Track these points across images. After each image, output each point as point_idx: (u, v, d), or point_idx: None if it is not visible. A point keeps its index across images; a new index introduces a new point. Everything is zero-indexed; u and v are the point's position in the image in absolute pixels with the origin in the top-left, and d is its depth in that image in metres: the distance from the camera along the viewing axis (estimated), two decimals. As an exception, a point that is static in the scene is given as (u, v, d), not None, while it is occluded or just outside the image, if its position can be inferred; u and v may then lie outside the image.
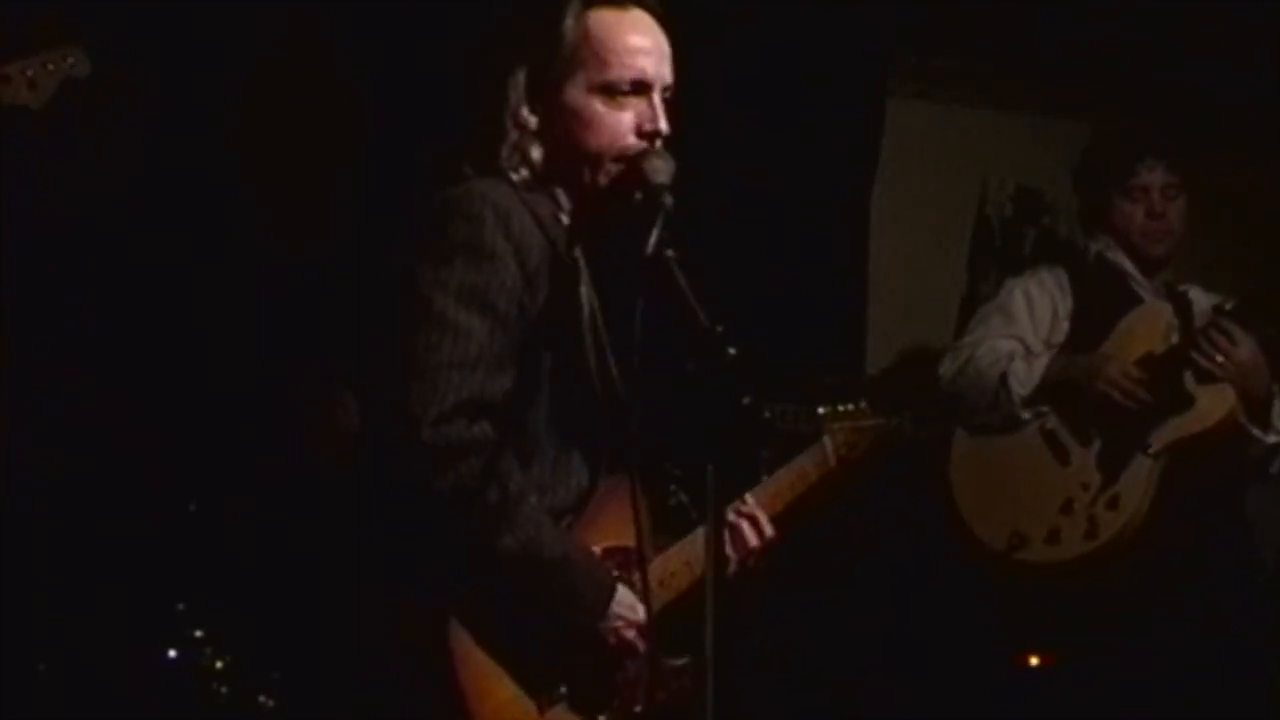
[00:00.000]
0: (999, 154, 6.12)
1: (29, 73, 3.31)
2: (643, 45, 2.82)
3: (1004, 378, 4.45)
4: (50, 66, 3.32)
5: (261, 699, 4.21)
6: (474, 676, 2.69)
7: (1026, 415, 4.45)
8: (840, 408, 3.35)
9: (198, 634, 4.22)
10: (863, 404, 3.36)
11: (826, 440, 3.29)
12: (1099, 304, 4.54)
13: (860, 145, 5.58)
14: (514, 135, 2.82)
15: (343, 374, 4.16)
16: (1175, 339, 4.41)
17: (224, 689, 4.21)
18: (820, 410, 3.33)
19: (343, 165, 4.49)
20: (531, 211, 2.78)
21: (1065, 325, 4.57)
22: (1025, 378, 4.44)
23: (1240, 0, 5.36)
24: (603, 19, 2.81)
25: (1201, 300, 4.56)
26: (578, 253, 2.86)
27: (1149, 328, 4.42)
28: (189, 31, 4.29)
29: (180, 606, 4.23)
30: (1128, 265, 4.55)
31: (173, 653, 4.21)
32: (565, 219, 2.85)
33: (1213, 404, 4.30)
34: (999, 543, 4.42)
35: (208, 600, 4.25)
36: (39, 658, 4.11)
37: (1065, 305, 4.59)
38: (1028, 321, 4.58)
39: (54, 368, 4.05)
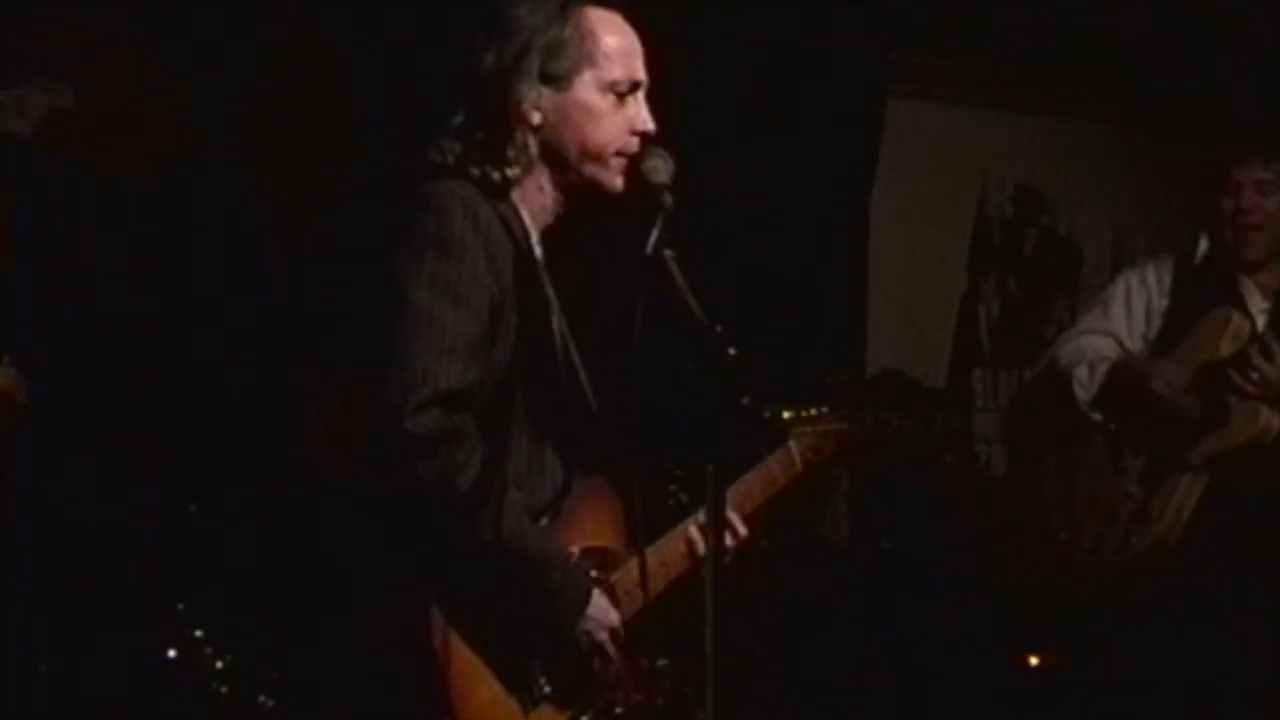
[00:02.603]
0: (999, 154, 6.12)
1: (20, 101, 3.34)
2: (634, 46, 2.88)
3: (1069, 381, 4.42)
4: (40, 95, 3.36)
5: (261, 699, 4.22)
6: (458, 676, 2.69)
7: (1097, 416, 4.42)
8: (803, 412, 3.31)
9: (198, 634, 4.23)
10: (824, 409, 3.32)
11: (792, 445, 3.25)
12: (1196, 302, 4.42)
13: (860, 145, 5.59)
14: (518, 134, 2.83)
15: (342, 374, 4.16)
16: (1243, 346, 4.28)
17: (224, 689, 4.22)
18: (785, 414, 3.30)
19: (343, 162, 4.50)
20: (497, 211, 2.80)
21: (1159, 323, 4.48)
22: (1087, 382, 4.39)
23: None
24: (599, 19, 2.85)
25: None
26: (539, 254, 2.88)
27: (1214, 335, 4.30)
28: (188, 29, 4.30)
29: (180, 606, 4.23)
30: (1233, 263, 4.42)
31: (173, 653, 4.22)
32: (529, 222, 2.86)
33: (1243, 422, 4.21)
34: (1061, 545, 4.41)
35: (208, 600, 4.25)
36: (39, 658, 4.11)
37: (1161, 302, 4.49)
38: (1123, 317, 4.50)
39: (54, 367, 4.05)
